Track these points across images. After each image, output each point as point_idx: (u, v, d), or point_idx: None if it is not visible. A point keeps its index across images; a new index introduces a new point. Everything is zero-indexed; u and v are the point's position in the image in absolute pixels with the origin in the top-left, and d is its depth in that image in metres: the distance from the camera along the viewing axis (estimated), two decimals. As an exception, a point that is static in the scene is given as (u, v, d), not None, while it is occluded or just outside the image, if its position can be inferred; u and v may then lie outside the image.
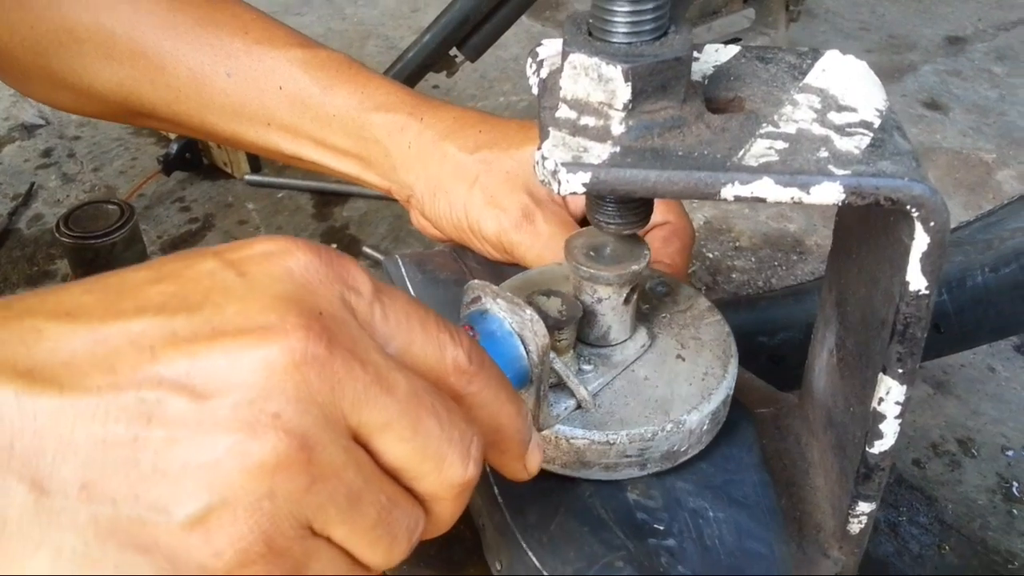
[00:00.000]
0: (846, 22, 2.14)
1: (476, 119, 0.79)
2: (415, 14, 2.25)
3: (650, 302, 0.64)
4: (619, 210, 0.53)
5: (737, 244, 1.50)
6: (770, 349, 0.88)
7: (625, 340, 0.60)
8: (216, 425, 0.33)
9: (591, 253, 0.57)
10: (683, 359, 0.60)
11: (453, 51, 1.49)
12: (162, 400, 0.33)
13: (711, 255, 1.48)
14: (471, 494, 0.42)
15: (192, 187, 1.74)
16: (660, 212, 0.73)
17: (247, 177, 1.70)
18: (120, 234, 1.25)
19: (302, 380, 0.35)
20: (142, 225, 1.54)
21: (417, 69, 1.48)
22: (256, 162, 1.73)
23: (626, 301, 0.58)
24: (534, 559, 0.53)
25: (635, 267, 0.56)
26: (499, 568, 0.56)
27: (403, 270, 0.76)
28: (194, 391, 0.34)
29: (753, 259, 1.47)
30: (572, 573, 0.50)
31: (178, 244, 1.57)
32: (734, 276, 1.43)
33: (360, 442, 0.37)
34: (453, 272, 0.79)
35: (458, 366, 0.41)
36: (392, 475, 0.39)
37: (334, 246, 1.39)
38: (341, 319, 0.37)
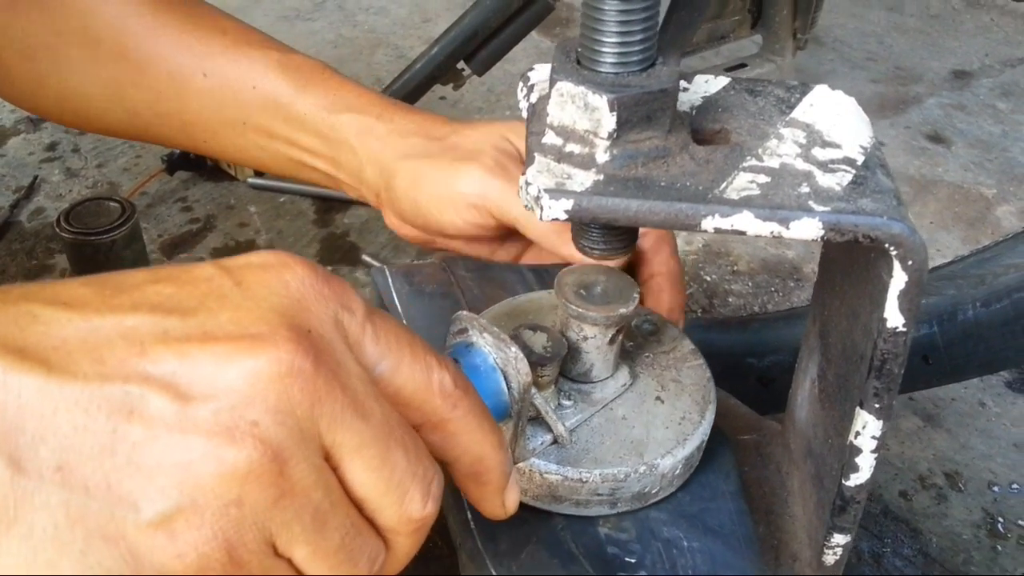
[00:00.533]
0: (853, 52, 2.15)
1: (444, 120, 0.79)
2: (426, 24, 2.26)
3: (635, 339, 0.65)
4: (604, 236, 0.54)
5: (735, 268, 1.50)
6: (759, 371, 0.89)
7: (607, 378, 0.60)
8: (195, 427, 0.34)
9: (581, 291, 0.58)
10: (662, 401, 0.60)
11: (461, 64, 1.50)
12: (146, 396, 0.34)
13: (708, 279, 1.48)
14: (427, 535, 0.42)
15: (195, 187, 1.75)
16: (655, 263, 0.73)
17: (250, 180, 1.71)
18: (120, 232, 1.25)
19: (284, 392, 0.35)
20: (143, 223, 1.55)
21: (424, 80, 1.49)
22: (260, 166, 1.74)
23: (611, 341, 0.59)
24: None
25: (623, 310, 0.57)
26: None
27: (390, 281, 0.76)
28: (178, 391, 0.34)
29: (750, 284, 1.47)
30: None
31: (178, 244, 1.57)
32: (731, 300, 1.43)
33: (331, 465, 0.38)
34: (440, 284, 0.79)
35: (443, 389, 0.42)
36: (356, 504, 0.39)
37: (330, 269, 1.40)
38: (329, 339, 0.38)
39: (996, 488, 1.15)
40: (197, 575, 0.34)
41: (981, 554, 1.08)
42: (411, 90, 1.55)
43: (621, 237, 0.54)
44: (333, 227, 1.60)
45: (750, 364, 0.91)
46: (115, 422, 0.34)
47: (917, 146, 1.80)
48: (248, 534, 0.35)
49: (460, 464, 0.44)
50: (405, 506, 0.39)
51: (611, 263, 0.62)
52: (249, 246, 1.56)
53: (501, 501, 0.47)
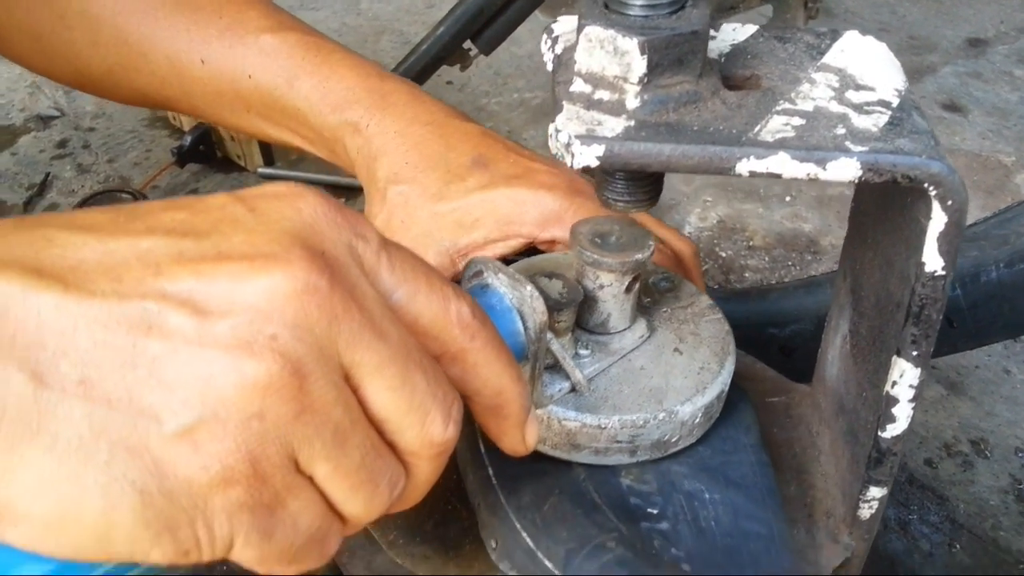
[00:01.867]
0: (865, 22, 2.13)
1: (424, 123, 0.77)
2: (430, 10, 2.25)
3: (652, 296, 0.64)
4: (628, 188, 0.53)
5: (751, 243, 1.49)
6: (781, 340, 0.88)
7: (624, 329, 0.60)
8: (214, 342, 0.34)
9: (596, 240, 0.57)
10: (680, 352, 0.60)
11: (467, 44, 1.49)
12: (164, 312, 0.34)
13: (724, 254, 1.47)
14: (448, 470, 0.42)
15: (206, 179, 1.74)
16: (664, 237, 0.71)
17: (260, 170, 1.71)
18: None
19: (301, 308, 0.35)
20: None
21: (431, 62, 1.48)
22: (269, 155, 1.73)
23: (628, 290, 0.58)
24: (527, 538, 0.53)
25: (639, 256, 0.56)
26: (494, 546, 0.56)
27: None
28: (196, 307, 0.34)
29: (767, 258, 1.46)
30: (564, 552, 0.50)
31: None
32: (747, 275, 1.43)
33: (350, 386, 0.37)
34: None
35: (462, 319, 0.41)
36: (376, 427, 0.39)
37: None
38: (344, 262, 0.38)
39: (1022, 454, 1.14)
40: (221, 489, 0.34)
41: (1009, 519, 1.07)
42: (418, 72, 1.54)
43: (646, 189, 0.54)
44: (345, 213, 1.60)
45: (771, 334, 0.90)
46: (135, 337, 0.33)
47: (933, 115, 1.78)
48: (271, 447, 0.35)
49: (480, 397, 0.44)
50: (426, 428, 0.39)
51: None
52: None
53: (522, 436, 0.46)
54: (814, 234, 1.51)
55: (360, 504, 0.39)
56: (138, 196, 1.30)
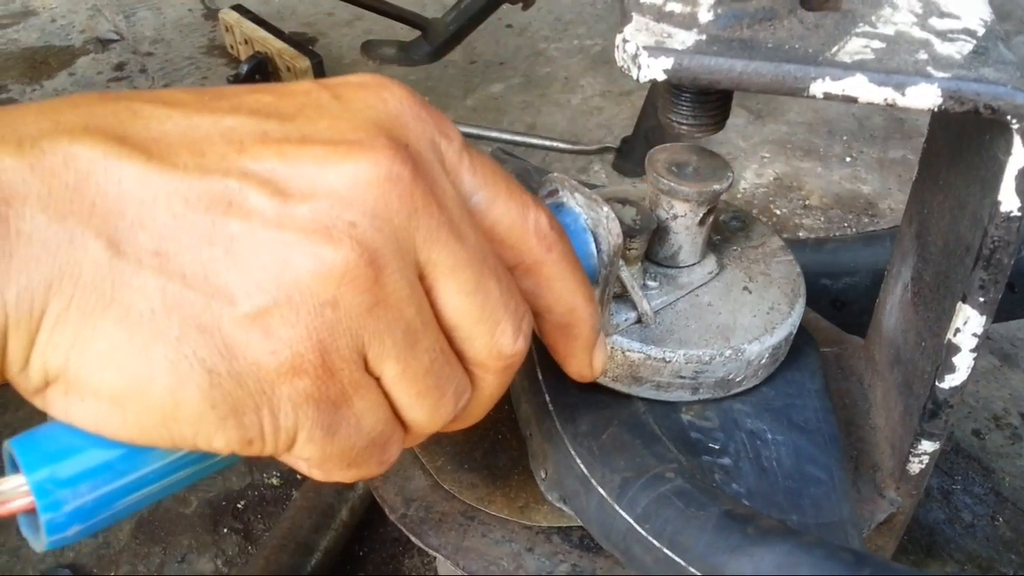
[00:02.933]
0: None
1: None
2: (494, -47, 2.22)
3: (723, 234, 0.62)
4: (694, 110, 0.51)
5: (807, 203, 1.46)
6: (833, 293, 0.86)
7: (694, 264, 0.58)
8: (293, 224, 0.33)
9: (673, 168, 0.55)
10: (749, 291, 0.58)
11: (531, -16, 1.47)
12: (245, 191, 0.33)
13: (779, 212, 1.44)
14: (513, 380, 0.41)
15: (260, 109, 1.74)
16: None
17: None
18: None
19: (382, 197, 0.34)
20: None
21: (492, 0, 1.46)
22: (325, 88, 1.73)
23: (701, 222, 0.56)
24: (582, 466, 0.52)
25: (716, 186, 0.54)
26: (544, 476, 0.55)
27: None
28: (277, 188, 0.33)
29: (822, 218, 1.43)
30: (620, 480, 0.49)
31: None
32: (801, 235, 1.40)
33: (424, 287, 0.36)
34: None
35: (540, 229, 0.40)
36: (446, 333, 0.38)
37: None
38: (427, 157, 0.37)
39: (1074, 431, 1.11)
40: (289, 377, 0.33)
41: (1056, 496, 1.04)
42: (478, 10, 1.52)
43: (712, 112, 0.52)
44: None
45: (824, 286, 0.88)
46: (214, 214, 0.33)
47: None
48: (341, 339, 0.34)
49: (552, 314, 0.42)
50: (496, 338, 0.38)
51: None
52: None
53: (590, 359, 0.45)
54: (873, 196, 1.47)
55: (425, 412, 0.38)
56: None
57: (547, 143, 1.57)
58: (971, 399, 1.15)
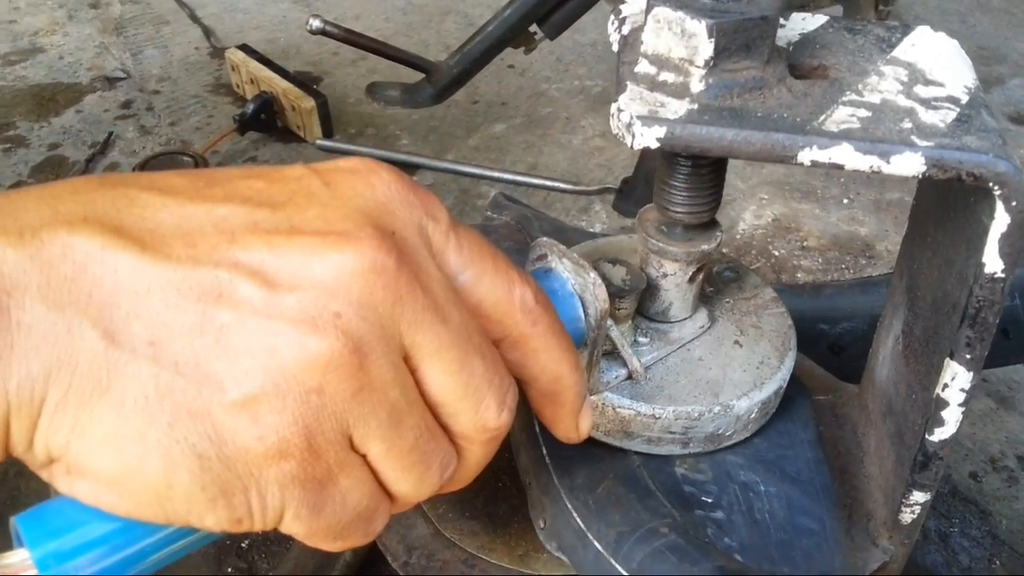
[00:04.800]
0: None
1: None
2: (496, -6, 2.25)
3: (716, 285, 0.64)
4: (688, 195, 0.53)
5: (805, 244, 1.48)
6: (831, 338, 0.87)
7: (685, 319, 0.59)
8: (281, 314, 0.34)
9: (663, 228, 0.57)
10: (740, 345, 0.59)
11: (533, 28, 1.49)
12: (234, 281, 0.34)
13: (777, 253, 1.46)
14: (500, 448, 0.42)
15: (264, 148, 1.76)
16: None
17: (319, 142, 1.72)
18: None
19: (367, 288, 0.35)
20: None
21: (495, 44, 1.48)
22: (328, 127, 1.75)
23: (691, 280, 0.58)
24: (578, 519, 0.53)
25: (705, 247, 0.56)
26: (542, 526, 0.56)
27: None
28: (266, 278, 0.35)
29: (820, 260, 1.45)
30: (615, 534, 0.50)
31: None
32: (799, 276, 1.41)
33: (409, 367, 0.38)
34: (516, 242, 0.79)
35: (525, 304, 0.41)
36: (431, 409, 0.39)
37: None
38: (413, 243, 0.38)
39: (1070, 473, 1.12)
40: (276, 460, 0.35)
41: (1053, 539, 1.05)
42: (481, 53, 1.54)
43: (706, 198, 0.54)
44: (400, 190, 1.60)
45: (822, 330, 0.89)
46: (205, 304, 0.34)
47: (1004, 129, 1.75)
48: (327, 423, 0.35)
49: (538, 383, 0.44)
50: (481, 413, 0.39)
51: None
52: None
53: (575, 423, 0.46)
54: (870, 238, 1.48)
55: (411, 484, 0.39)
56: (199, 160, 1.32)
57: (548, 183, 1.59)
58: (968, 441, 1.16)
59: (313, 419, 0.35)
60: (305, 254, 0.35)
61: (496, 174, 1.62)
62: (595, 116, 1.85)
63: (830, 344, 0.87)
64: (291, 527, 0.37)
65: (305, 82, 1.80)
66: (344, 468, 0.37)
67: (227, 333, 0.34)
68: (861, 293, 0.89)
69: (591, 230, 1.28)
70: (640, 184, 1.50)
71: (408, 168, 1.64)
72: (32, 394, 0.33)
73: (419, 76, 1.62)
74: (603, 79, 1.98)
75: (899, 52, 0.51)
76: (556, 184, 1.59)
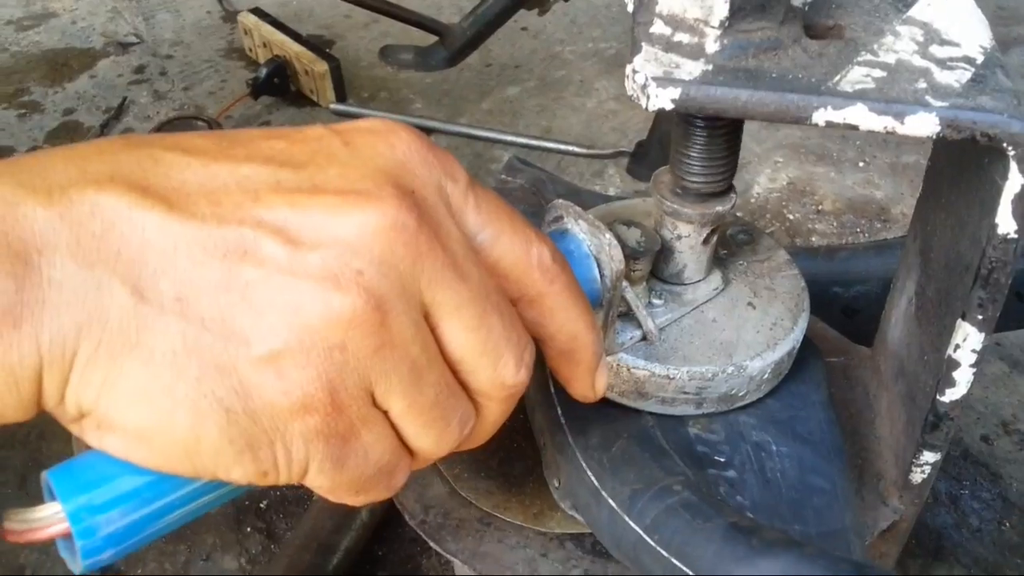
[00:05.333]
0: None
1: None
2: (510, -44, 2.23)
3: (729, 248, 0.64)
4: (703, 165, 0.53)
5: (820, 208, 1.47)
6: (845, 301, 0.87)
7: (699, 281, 0.60)
8: (304, 272, 0.35)
9: (677, 189, 0.57)
10: (754, 307, 0.60)
11: (547, -10, 1.48)
12: (259, 239, 0.35)
13: (792, 217, 1.46)
14: (515, 409, 0.43)
15: (278, 112, 1.76)
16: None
17: (332, 106, 1.72)
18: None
19: (388, 245, 0.36)
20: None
21: (509, 5, 1.48)
22: (342, 91, 1.75)
23: (705, 241, 0.58)
24: (592, 478, 0.53)
25: (720, 209, 0.56)
26: (557, 485, 0.57)
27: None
28: (289, 237, 0.35)
29: (835, 224, 1.44)
30: (629, 492, 0.50)
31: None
32: (814, 240, 1.41)
33: (428, 325, 0.38)
34: (531, 206, 0.79)
35: (542, 263, 0.42)
36: (450, 366, 0.40)
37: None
38: (432, 202, 0.38)
39: (1083, 436, 1.12)
40: (300, 415, 0.35)
41: (1064, 501, 1.06)
42: (495, 15, 1.53)
43: (721, 169, 0.54)
44: (414, 154, 1.60)
45: (836, 293, 0.89)
46: (230, 261, 0.35)
47: (1018, 89, 1.73)
48: (349, 379, 0.36)
49: (554, 341, 0.44)
50: (499, 370, 0.40)
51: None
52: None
53: (591, 381, 0.47)
54: (885, 201, 1.48)
55: (431, 440, 0.40)
56: (213, 124, 1.32)
57: (562, 147, 1.59)
58: (980, 405, 1.16)
59: (336, 375, 0.35)
60: (327, 213, 0.36)
61: (509, 138, 1.62)
62: (609, 79, 1.84)
63: (843, 307, 0.88)
64: (315, 480, 0.38)
65: (318, 46, 1.79)
66: (366, 423, 0.37)
67: (252, 290, 0.35)
68: (875, 256, 0.89)
69: (606, 194, 1.28)
70: (654, 148, 1.50)
71: (425, 132, 1.64)
72: (63, 349, 0.33)
73: (432, 39, 1.62)
74: (617, 41, 1.97)
75: (915, 12, 0.51)
76: (570, 148, 1.59)
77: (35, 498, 0.36)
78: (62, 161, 0.35)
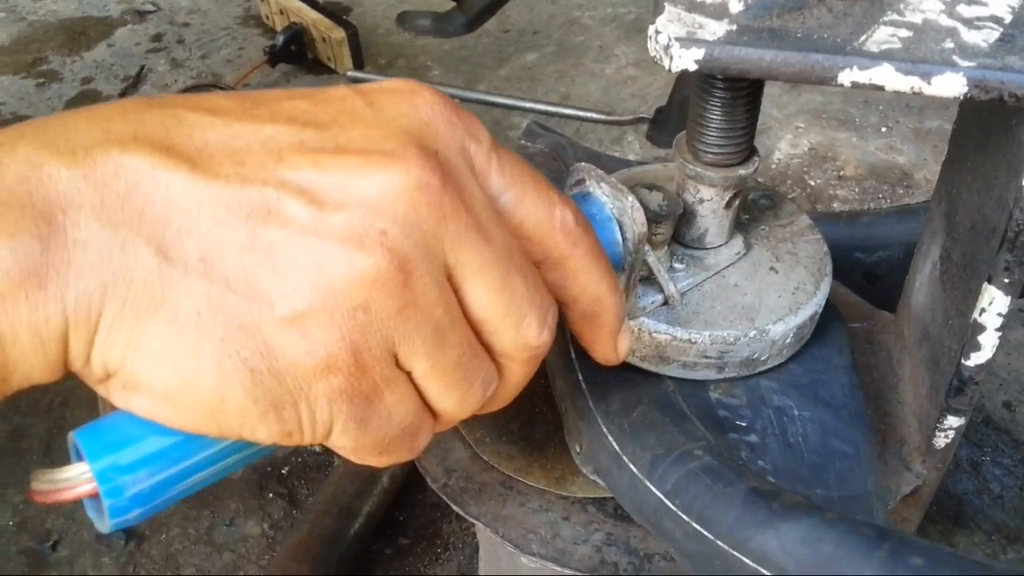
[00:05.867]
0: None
1: None
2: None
3: (751, 213, 0.63)
4: (723, 129, 0.53)
5: (842, 173, 1.46)
6: (867, 266, 0.86)
7: (720, 245, 0.59)
8: (328, 232, 0.35)
9: (699, 153, 0.56)
10: (776, 271, 0.59)
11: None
12: (282, 200, 0.35)
13: (813, 183, 1.45)
14: (536, 374, 0.43)
15: (296, 80, 1.76)
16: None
17: (349, 73, 1.72)
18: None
19: (412, 206, 0.36)
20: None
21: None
22: (359, 58, 1.74)
23: (727, 205, 0.57)
24: (613, 443, 0.53)
25: (742, 171, 0.55)
26: (578, 450, 0.57)
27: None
28: (312, 197, 0.35)
29: (857, 189, 1.43)
30: (650, 457, 0.50)
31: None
32: (835, 206, 1.40)
33: (452, 286, 0.38)
34: (552, 171, 0.78)
35: (565, 225, 0.42)
36: (473, 328, 0.40)
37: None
38: (456, 163, 0.38)
39: (1107, 402, 1.12)
40: (324, 375, 0.36)
41: (1087, 467, 1.05)
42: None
43: (738, 140, 0.53)
44: (432, 121, 1.60)
45: (857, 259, 0.88)
46: (254, 222, 0.35)
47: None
48: (373, 339, 0.36)
49: (577, 304, 0.44)
50: (522, 331, 0.40)
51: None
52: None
53: (614, 344, 0.47)
54: (908, 167, 1.47)
55: (453, 402, 0.40)
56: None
57: (581, 114, 1.58)
58: (1003, 371, 1.15)
59: (360, 335, 0.36)
60: (351, 173, 0.36)
61: (528, 104, 1.61)
62: (628, 44, 1.83)
63: (866, 272, 0.87)
64: (338, 441, 0.38)
65: (335, 12, 1.79)
66: (390, 384, 0.37)
67: (276, 250, 0.35)
68: (898, 221, 0.88)
69: (626, 159, 1.27)
70: (674, 114, 1.49)
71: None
72: (89, 309, 0.33)
73: (449, 5, 1.61)
74: (636, 6, 1.95)
75: (942, -30, 0.50)
76: (589, 114, 1.58)
77: (60, 463, 0.36)
78: (85, 122, 0.35)
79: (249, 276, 0.34)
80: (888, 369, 0.67)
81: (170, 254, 0.34)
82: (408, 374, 0.38)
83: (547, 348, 0.41)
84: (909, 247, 0.75)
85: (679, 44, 0.44)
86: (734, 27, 0.45)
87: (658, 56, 0.46)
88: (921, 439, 0.60)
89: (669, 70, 0.45)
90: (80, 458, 0.36)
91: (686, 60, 0.44)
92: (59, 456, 1.09)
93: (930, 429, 0.58)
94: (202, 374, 0.35)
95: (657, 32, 0.45)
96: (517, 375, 0.42)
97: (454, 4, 1.59)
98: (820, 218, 0.95)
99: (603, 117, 1.58)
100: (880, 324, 0.70)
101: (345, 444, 0.38)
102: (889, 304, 0.72)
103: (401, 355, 0.37)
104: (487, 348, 0.40)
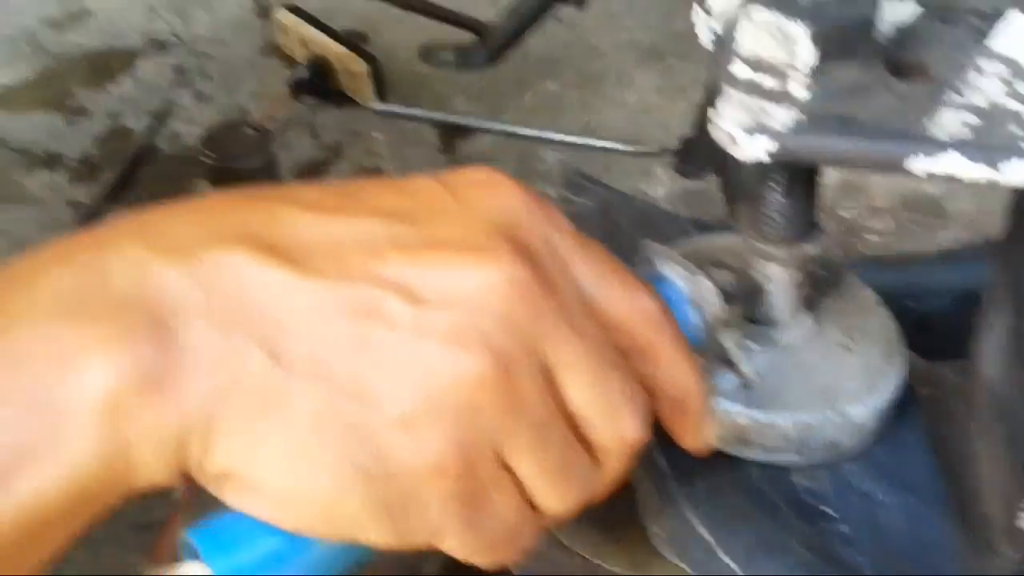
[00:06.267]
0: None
1: None
2: (547, -55, 2.20)
3: (813, 286, 0.62)
4: (781, 216, 0.52)
5: (873, 204, 1.44)
6: (918, 315, 0.85)
7: (791, 323, 0.58)
8: (432, 331, 0.35)
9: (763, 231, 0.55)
10: (850, 350, 0.58)
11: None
12: (384, 298, 0.35)
13: (846, 215, 1.43)
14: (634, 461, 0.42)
15: (322, 113, 1.75)
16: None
17: (375, 106, 1.71)
18: (260, 158, 1.27)
19: (509, 303, 0.36)
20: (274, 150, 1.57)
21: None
22: (382, 90, 1.73)
23: (796, 283, 0.56)
24: (705, 532, 0.52)
25: (809, 249, 0.54)
26: (659, 532, 0.56)
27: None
28: (411, 295, 0.35)
29: (891, 222, 1.41)
30: (743, 549, 0.49)
31: (310, 171, 1.59)
32: (871, 239, 1.38)
33: (548, 381, 0.38)
34: (603, 231, 0.76)
35: (650, 315, 0.41)
36: (571, 424, 0.39)
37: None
38: (543, 255, 0.38)
39: None
40: (434, 479, 0.35)
41: None
42: (531, 10, 1.51)
43: (799, 219, 0.52)
44: (457, 154, 1.59)
45: (908, 307, 0.87)
46: (358, 321, 0.35)
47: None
48: (480, 440, 0.36)
49: (664, 393, 0.43)
50: (619, 425, 0.40)
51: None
52: (376, 174, 1.57)
53: (702, 432, 0.46)
54: (939, 198, 1.44)
55: (557, 498, 0.40)
56: (261, 131, 1.32)
57: (607, 145, 1.57)
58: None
59: (467, 436, 0.35)
60: (447, 270, 0.36)
61: (553, 136, 1.60)
62: (647, 71, 1.81)
63: (917, 321, 0.85)
64: (449, 543, 0.38)
65: (356, 43, 1.78)
66: (497, 484, 0.37)
67: (381, 350, 0.35)
68: (947, 267, 0.87)
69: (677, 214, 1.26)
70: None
71: (464, 131, 1.63)
72: (204, 415, 0.34)
73: (464, 35, 1.60)
74: (654, 32, 1.93)
75: (994, 44, 0.48)
76: (615, 146, 1.57)
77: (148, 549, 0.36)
78: (185, 220, 0.36)
79: (358, 377, 0.34)
80: (962, 442, 0.64)
81: (281, 357, 0.34)
82: (512, 474, 0.38)
83: (644, 441, 0.41)
84: (960, 295, 0.73)
85: (745, 132, 0.43)
86: (804, 116, 0.44)
87: (722, 142, 0.45)
88: (1006, 520, 0.58)
89: (739, 159, 0.44)
90: (195, 557, 0.36)
91: (755, 150, 0.44)
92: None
93: (1013, 511, 0.56)
94: (318, 477, 0.35)
95: (721, 118, 0.44)
96: (615, 469, 0.42)
97: (476, 37, 1.59)
98: (867, 264, 0.94)
99: (629, 148, 1.56)
100: (945, 389, 0.68)
101: (455, 546, 0.38)
102: (945, 353, 0.70)
103: (506, 454, 0.37)
104: (584, 443, 0.40)
